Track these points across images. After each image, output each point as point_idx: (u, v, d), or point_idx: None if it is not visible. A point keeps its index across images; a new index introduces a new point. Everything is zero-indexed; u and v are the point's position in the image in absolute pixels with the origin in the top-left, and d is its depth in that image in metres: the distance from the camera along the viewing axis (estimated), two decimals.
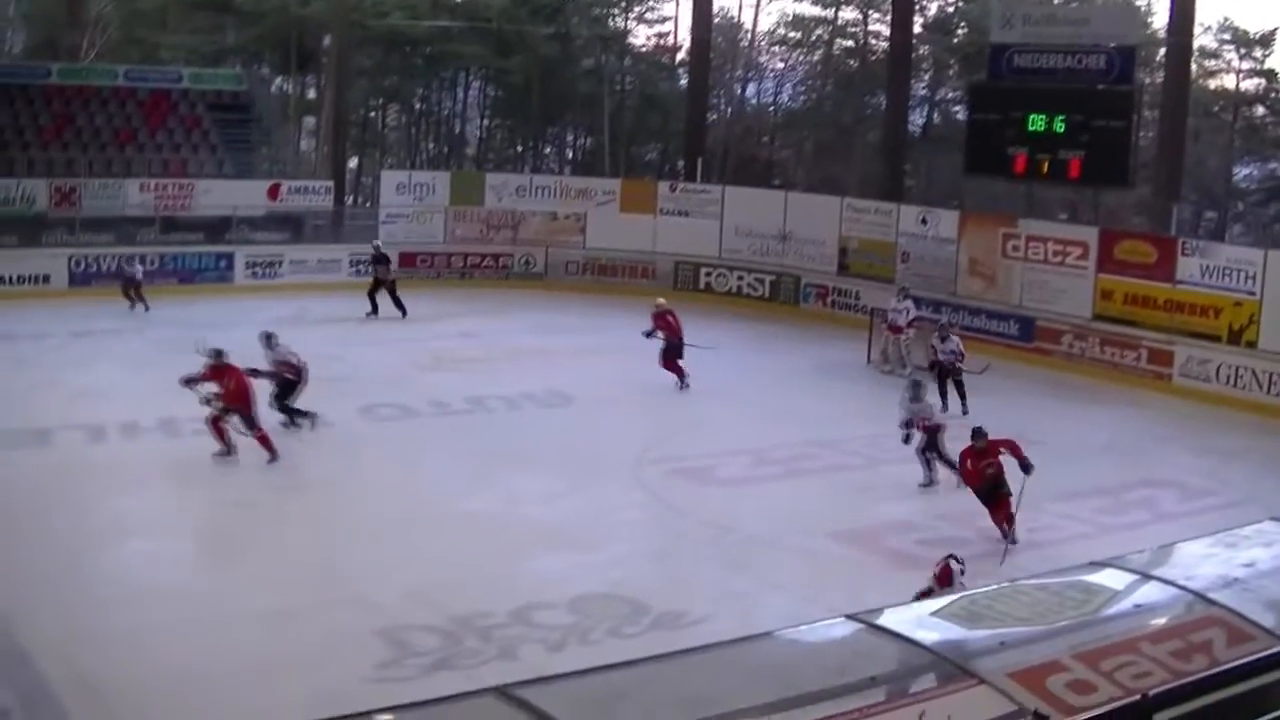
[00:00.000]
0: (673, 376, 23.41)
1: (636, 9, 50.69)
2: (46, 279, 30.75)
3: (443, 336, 27.00)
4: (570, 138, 52.89)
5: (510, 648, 12.15)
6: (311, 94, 50.43)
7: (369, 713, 5.50)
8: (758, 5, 60.37)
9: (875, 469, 18.72)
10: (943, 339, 22.95)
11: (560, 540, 15.23)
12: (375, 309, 29.47)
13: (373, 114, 51.90)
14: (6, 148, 33.88)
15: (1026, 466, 15.54)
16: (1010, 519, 15.57)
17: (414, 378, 23.42)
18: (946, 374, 22.51)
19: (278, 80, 47.41)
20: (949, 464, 17.54)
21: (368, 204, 40.31)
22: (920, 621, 6.79)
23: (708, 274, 34.06)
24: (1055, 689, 5.97)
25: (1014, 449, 15.86)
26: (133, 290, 29.08)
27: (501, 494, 16.79)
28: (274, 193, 35.02)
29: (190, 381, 17.69)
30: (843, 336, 27.63)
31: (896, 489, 17.80)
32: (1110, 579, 7.55)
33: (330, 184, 37.12)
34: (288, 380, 19.21)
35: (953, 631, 6.67)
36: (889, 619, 6.79)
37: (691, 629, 12.20)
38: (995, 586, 7.65)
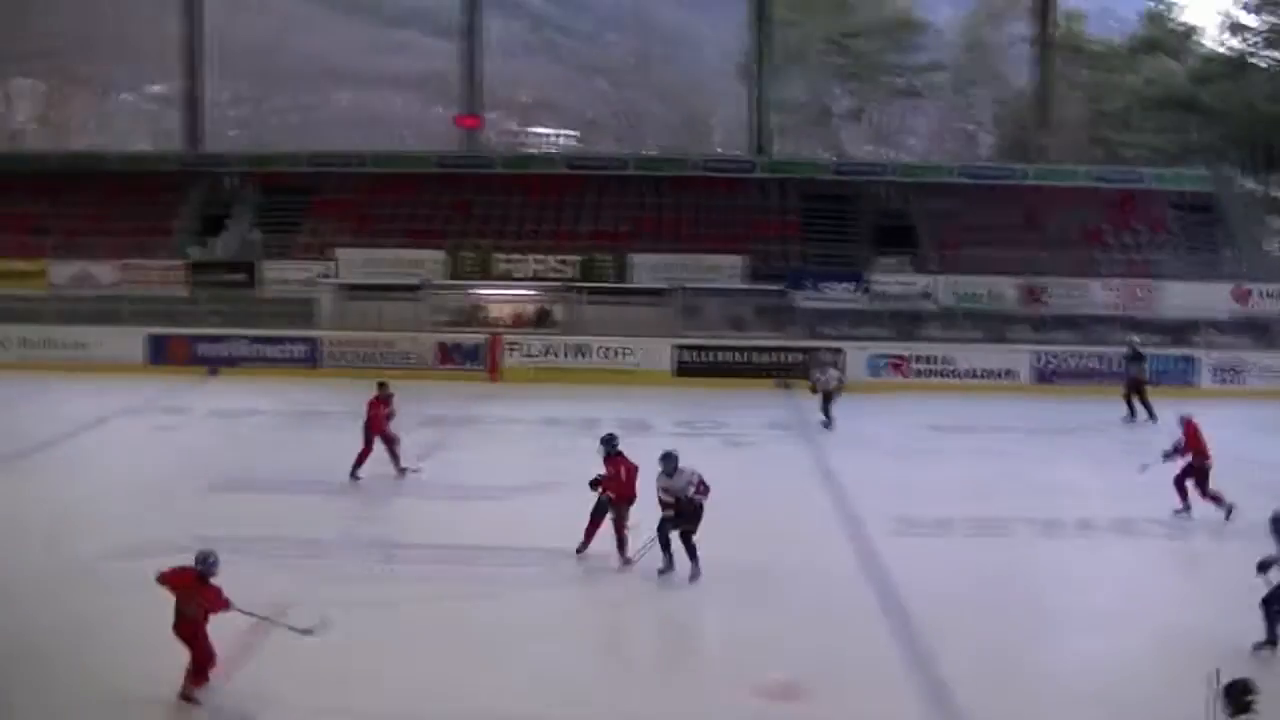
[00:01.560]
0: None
1: None
2: (1009, 373, 31.90)
3: None
4: None
5: None
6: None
7: None
8: None
9: None
10: None
11: None
12: (1132, 412, 27.63)
13: None
14: (978, 246, 35.45)
15: None
16: None
17: None
18: None
19: (1244, 179, 45.86)
20: None
21: None
22: None
23: None
24: None
25: None
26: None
27: None
28: (1241, 296, 33.91)
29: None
30: None
31: None
32: None
33: None
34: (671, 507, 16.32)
35: None
36: None
37: None
38: None
